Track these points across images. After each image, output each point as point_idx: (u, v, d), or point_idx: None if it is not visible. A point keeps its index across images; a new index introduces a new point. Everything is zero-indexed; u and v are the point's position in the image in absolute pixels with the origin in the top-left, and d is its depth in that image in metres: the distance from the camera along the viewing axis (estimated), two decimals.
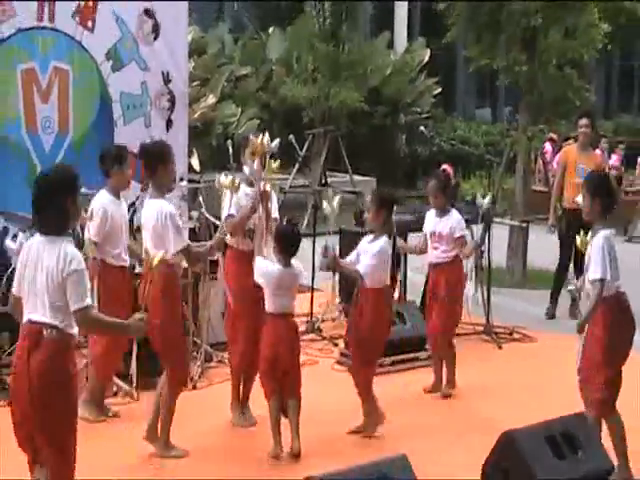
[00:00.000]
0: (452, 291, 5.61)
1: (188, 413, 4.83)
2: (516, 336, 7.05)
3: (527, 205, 9.16)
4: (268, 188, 4.94)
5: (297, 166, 10.24)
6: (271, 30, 15.78)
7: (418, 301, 6.94)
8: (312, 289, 6.95)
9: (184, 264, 4.84)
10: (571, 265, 7.44)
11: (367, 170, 14.09)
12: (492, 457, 4.02)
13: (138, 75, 6.70)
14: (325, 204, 4.97)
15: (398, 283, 6.95)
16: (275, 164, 4.86)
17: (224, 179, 4.85)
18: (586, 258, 4.29)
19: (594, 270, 4.15)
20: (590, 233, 4.29)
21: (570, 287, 4.47)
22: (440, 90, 16.89)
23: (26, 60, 6.15)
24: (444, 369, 5.72)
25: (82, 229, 5.14)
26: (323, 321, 7.07)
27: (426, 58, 16.78)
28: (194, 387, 5.49)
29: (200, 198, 6.04)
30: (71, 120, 6.36)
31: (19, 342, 3.42)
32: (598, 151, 9.85)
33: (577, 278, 4.42)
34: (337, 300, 7.20)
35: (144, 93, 6.75)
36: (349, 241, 6.35)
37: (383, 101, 15.67)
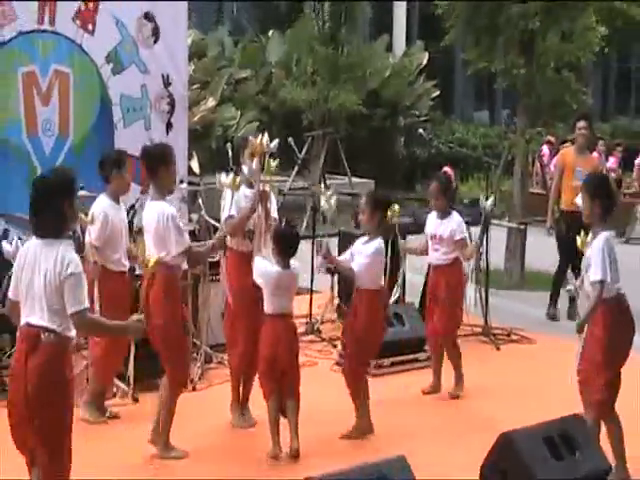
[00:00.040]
0: (452, 293, 5.64)
1: (188, 414, 4.84)
2: (514, 337, 7.07)
3: (525, 207, 9.19)
4: (267, 188, 4.97)
5: (296, 168, 10.28)
6: (270, 33, 15.82)
7: (417, 302, 6.98)
8: (311, 291, 6.97)
9: (184, 266, 4.87)
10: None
11: (366, 172, 14.13)
12: (490, 458, 4.04)
13: (138, 78, 6.74)
14: (323, 201, 4.98)
15: (397, 284, 6.96)
16: (274, 163, 4.87)
17: (225, 178, 4.88)
18: (584, 259, 4.31)
19: (594, 272, 4.17)
20: (590, 235, 4.31)
21: (569, 287, 4.48)
22: (438, 93, 16.93)
23: (27, 63, 6.19)
24: (444, 370, 5.74)
25: (83, 232, 5.16)
26: (322, 322, 7.08)
27: (424, 61, 16.82)
28: (194, 388, 5.50)
29: (200, 200, 6.07)
30: (71, 123, 6.40)
31: (17, 345, 3.43)
32: (595, 154, 9.91)
33: (576, 278, 4.42)
34: (336, 302, 7.23)
35: (144, 96, 6.79)
36: (348, 243, 6.35)
37: (382, 104, 15.71)
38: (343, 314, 6.49)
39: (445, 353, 5.73)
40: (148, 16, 6.75)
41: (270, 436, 4.64)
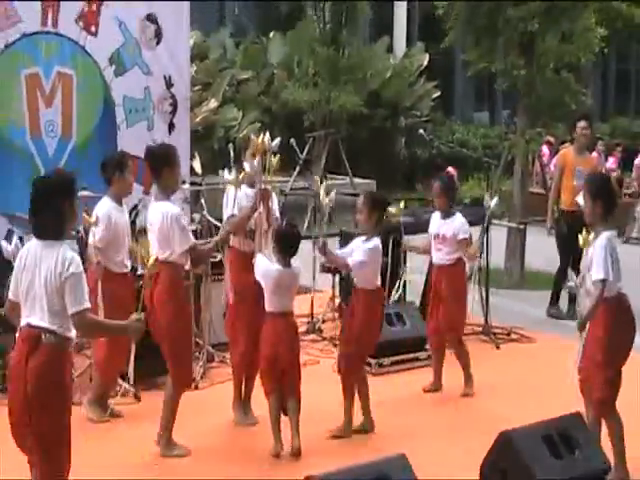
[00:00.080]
0: (455, 292, 5.67)
1: (190, 413, 4.86)
2: (514, 336, 7.10)
3: (525, 207, 9.22)
4: (269, 187, 4.98)
5: (298, 169, 10.31)
6: (272, 35, 15.85)
7: (417, 301, 7.01)
8: (313, 290, 7.01)
9: (186, 266, 4.90)
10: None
11: (367, 172, 14.17)
12: (490, 457, 4.05)
13: (141, 79, 6.77)
14: (322, 194, 4.99)
15: (398, 283, 7.00)
16: (275, 159, 4.88)
17: (228, 175, 4.90)
18: (585, 258, 4.33)
19: (597, 270, 4.18)
20: (592, 234, 4.32)
21: (570, 283, 4.47)
22: (439, 94, 16.97)
23: (30, 65, 6.22)
24: (445, 370, 5.77)
25: (87, 232, 5.20)
26: (324, 322, 7.12)
27: (425, 62, 16.86)
28: (196, 387, 5.52)
29: (202, 201, 6.11)
30: (74, 124, 6.43)
31: (16, 345, 3.44)
32: (594, 154, 9.94)
33: (576, 275, 4.42)
34: (337, 301, 7.26)
35: (147, 97, 6.82)
36: (349, 243, 6.40)
37: (383, 105, 15.75)
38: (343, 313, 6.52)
39: (454, 354, 5.75)
40: (151, 18, 6.79)
41: (272, 434, 4.67)
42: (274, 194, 5.11)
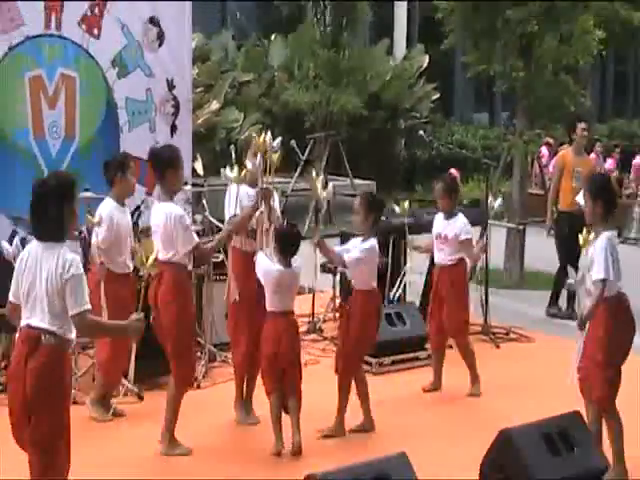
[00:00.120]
0: (457, 293, 5.70)
1: (192, 412, 4.88)
2: (513, 336, 7.13)
3: (524, 208, 9.27)
4: (270, 186, 5.00)
5: (299, 170, 10.36)
6: (273, 37, 15.88)
7: (417, 302, 7.05)
8: (314, 290, 7.05)
9: (189, 267, 4.93)
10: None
11: (367, 174, 14.20)
12: (489, 455, 4.08)
13: (143, 82, 6.81)
14: (319, 187, 5.02)
15: (398, 283, 7.05)
16: (276, 155, 4.88)
17: (230, 172, 4.93)
18: (584, 257, 4.35)
19: (597, 270, 4.20)
20: (592, 234, 4.34)
21: (569, 280, 4.48)
22: (438, 95, 16.99)
23: (33, 67, 6.26)
24: (445, 369, 5.80)
25: (89, 233, 5.24)
26: (324, 321, 7.16)
27: (425, 64, 16.88)
28: (198, 387, 5.54)
29: (204, 202, 6.15)
30: (77, 126, 6.47)
31: (16, 346, 3.46)
32: (593, 155, 9.99)
33: (576, 273, 4.43)
34: (338, 301, 7.30)
35: (149, 99, 6.86)
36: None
37: (383, 106, 15.77)
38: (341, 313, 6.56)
39: (460, 354, 5.78)
40: (153, 21, 6.83)
41: (273, 433, 4.70)
42: (275, 193, 5.13)
